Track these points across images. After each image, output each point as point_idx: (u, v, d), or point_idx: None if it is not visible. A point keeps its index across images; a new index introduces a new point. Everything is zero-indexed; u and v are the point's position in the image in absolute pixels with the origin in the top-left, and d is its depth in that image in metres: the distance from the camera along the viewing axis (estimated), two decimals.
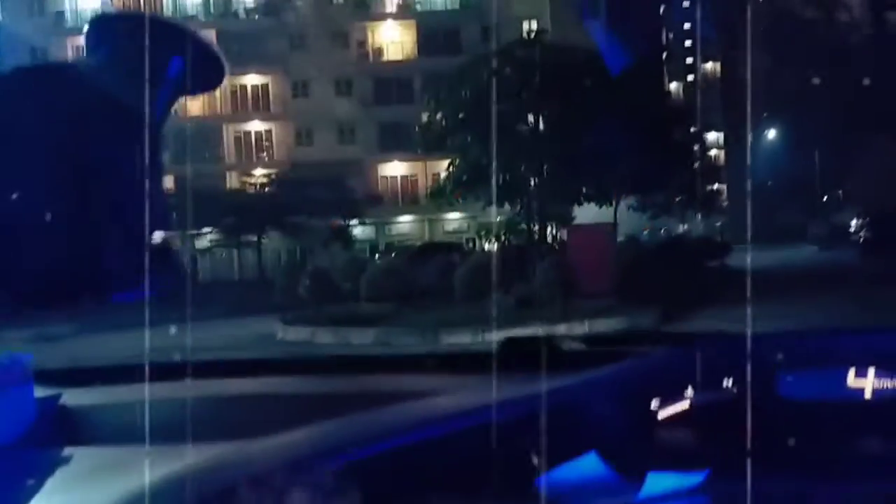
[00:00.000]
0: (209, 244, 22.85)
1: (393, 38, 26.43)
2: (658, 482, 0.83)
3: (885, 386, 0.84)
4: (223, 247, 22.70)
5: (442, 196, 12.70)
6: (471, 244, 15.91)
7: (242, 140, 26.20)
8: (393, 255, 13.84)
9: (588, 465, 0.82)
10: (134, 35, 0.49)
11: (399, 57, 26.06)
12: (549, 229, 12.77)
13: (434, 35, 25.07)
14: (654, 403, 0.86)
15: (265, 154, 26.08)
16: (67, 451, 0.82)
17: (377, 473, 0.73)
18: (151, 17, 0.55)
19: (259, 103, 26.21)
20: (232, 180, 23.74)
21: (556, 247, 11.37)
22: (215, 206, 22.10)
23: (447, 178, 12.31)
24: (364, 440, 0.77)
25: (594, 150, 10.94)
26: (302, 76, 25.59)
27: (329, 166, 22.88)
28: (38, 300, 0.50)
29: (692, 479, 0.83)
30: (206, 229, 22.74)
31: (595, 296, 8.00)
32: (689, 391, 0.85)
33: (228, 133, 26.07)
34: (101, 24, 0.55)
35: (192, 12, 26.02)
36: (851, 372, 0.86)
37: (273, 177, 22.19)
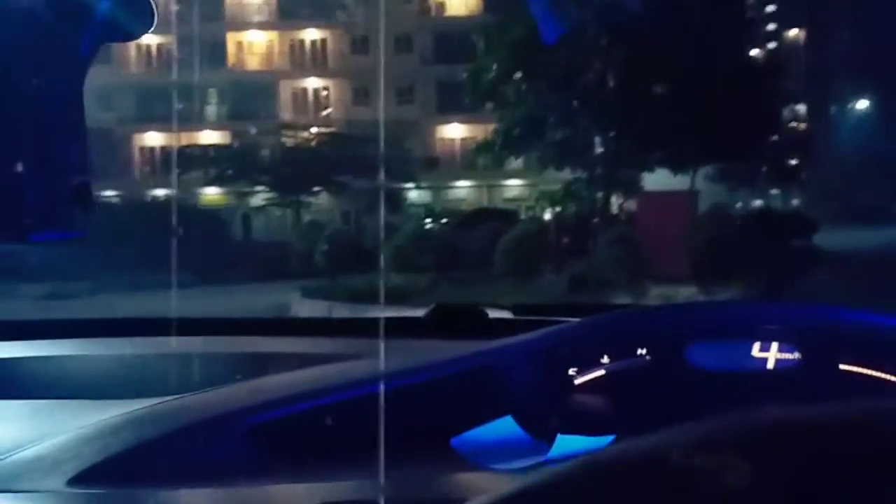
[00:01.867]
0: (263, 202, 22.05)
1: None
2: (567, 444, 0.83)
3: (786, 357, 0.87)
4: (276, 205, 21.86)
5: (489, 153, 10.97)
6: (529, 213, 14.16)
7: (299, 97, 25.08)
8: (441, 221, 12.28)
9: (503, 426, 0.81)
10: None
11: (462, 12, 24.37)
12: (614, 197, 10.96)
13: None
14: (571, 371, 0.86)
15: (321, 112, 24.89)
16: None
17: (293, 433, 0.73)
18: None
19: (317, 59, 25.02)
20: (286, 138, 22.65)
21: (623, 218, 9.69)
22: (268, 164, 21.20)
23: (496, 133, 10.63)
24: (285, 399, 0.77)
25: (672, 108, 9.25)
26: (361, 31, 24.26)
27: (385, 126, 21.59)
28: None
29: (599, 442, 0.83)
30: (259, 187, 21.95)
31: (669, 277, 6.50)
32: (605, 359, 0.86)
33: (285, 89, 24.98)
34: None
35: None
36: (756, 344, 0.88)
37: (325, 135, 21.17)
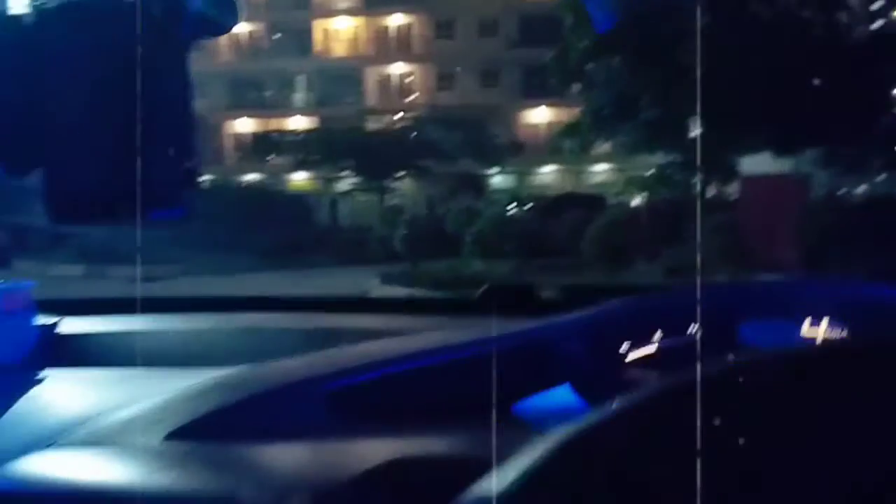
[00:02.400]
0: (349, 188, 22.08)
1: None
2: None
3: (835, 335, 0.86)
4: (362, 191, 21.86)
5: (576, 137, 10.31)
6: (618, 198, 13.49)
7: (384, 83, 24.99)
8: (525, 207, 11.84)
9: (561, 395, 0.84)
10: None
11: None
12: (712, 182, 10.18)
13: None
14: (624, 346, 0.87)
15: (406, 97, 24.73)
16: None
17: (365, 399, 0.79)
18: None
19: (401, 45, 24.85)
20: (371, 123, 22.60)
21: (723, 203, 8.98)
22: (353, 150, 21.20)
23: (583, 115, 9.98)
24: (355, 368, 0.82)
25: (775, 87, 8.51)
26: (446, 15, 23.96)
27: (470, 111, 21.30)
28: (82, 215, 0.54)
29: None
30: (345, 173, 22.00)
31: (776, 267, 5.93)
32: (657, 335, 0.87)
33: (370, 75, 24.93)
34: None
35: None
36: (807, 321, 0.87)
37: (409, 120, 21.00)
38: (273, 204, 17.43)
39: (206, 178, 21.53)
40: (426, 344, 0.89)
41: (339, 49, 25.60)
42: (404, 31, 24.93)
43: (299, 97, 25.57)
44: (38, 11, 0.51)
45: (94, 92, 0.50)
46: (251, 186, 22.23)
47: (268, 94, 25.90)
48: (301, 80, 25.71)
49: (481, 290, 1.16)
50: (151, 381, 0.86)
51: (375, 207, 18.82)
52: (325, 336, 1.01)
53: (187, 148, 0.51)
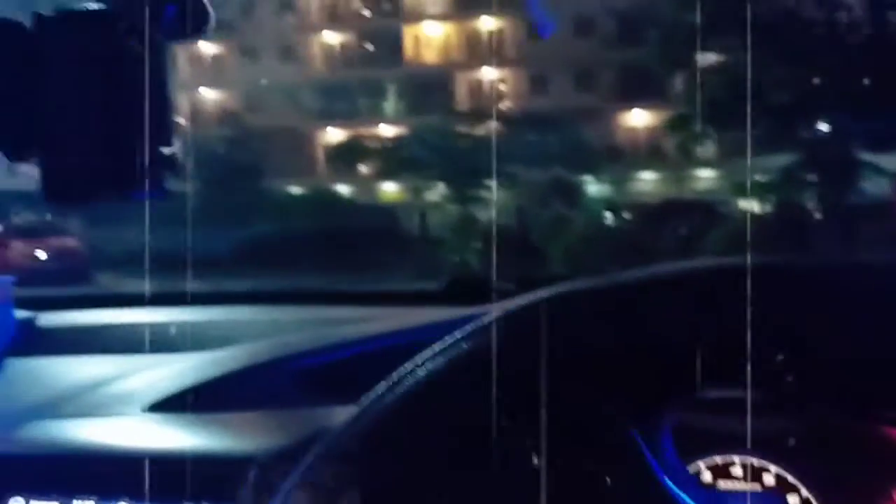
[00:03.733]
0: (439, 199, 21.47)
1: None
2: None
3: None
4: (451, 202, 21.18)
5: (683, 129, 9.09)
6: (730, 204, 12.11)
7: (474, 88, 24.24)
8: (622, 215, 10.76)
9: None
10: None
11: None
12: (840, 185, 8.78)
13: None
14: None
15: (498, 102, 23.90)
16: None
17: (336, 375, 0.86)
18: None
19: (493, 49, 24.04)
20: (461, 130, 21.85)
21: (869, 209, 7.64)
22: (443, 158, 20.57)
23: (684, 116, 8.80)
24: (314, 351, 0.92)
25: None
26: (539, 17, 22.99)
27: (563, 114, 20.28)
28: (73, 196, 0.61)
29: None
30: (434, 182, 21.43)
31: None
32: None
33: (461, 81, 24.22)
34: None
35: None
36: None
37: (499, 126, 20.17)
38: (360, 216, 16.98)
39: (298, 189, 21.42)
40: (383, 329, 0.99)
41: (430, 55, 25.09)
42: (496, 35, 24.14)
43: (389, 106, 25.17)
44: (37, 17, 0.60)
45: (84, 87, 0.58)
46: (341, 197, 21.90)
47: (358, 103, 25.62)
48: (391, 89, 25.30)
49: (447, 281, 1.33)
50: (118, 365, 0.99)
51: (462, 217, 18.17)
52: (291, 326, 1.13)
53: (167, 136, 0.57)
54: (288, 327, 1.10)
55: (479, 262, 7.18)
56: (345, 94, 25.27)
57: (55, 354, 1.07)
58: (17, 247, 11.02)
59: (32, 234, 11.28)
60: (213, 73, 28.60)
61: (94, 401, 0.81)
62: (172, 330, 1.14)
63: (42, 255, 11.01)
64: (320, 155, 25.51)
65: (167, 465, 0.63)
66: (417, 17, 24.65)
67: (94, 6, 0.60)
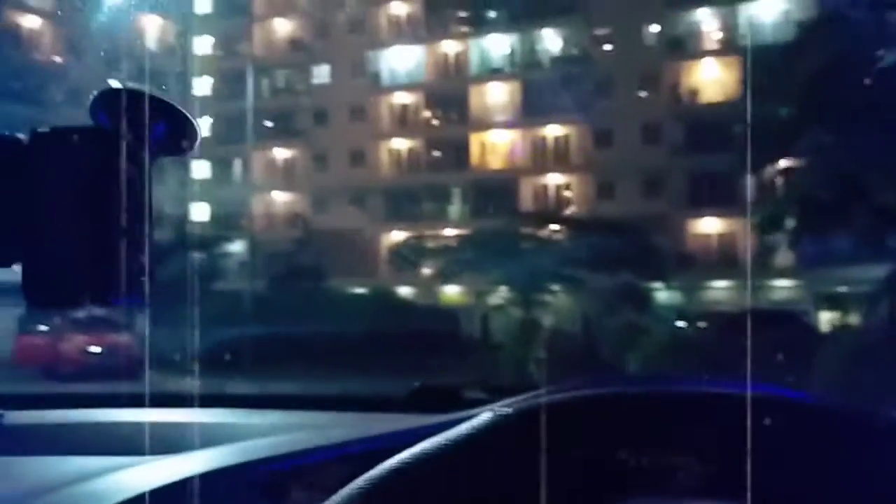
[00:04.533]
0: (501, 302, 20.97)
1: (711, 78, 22.59)
2: None
3: None
4: (513, 304, 20.65)
5: (776, 228, 8.21)
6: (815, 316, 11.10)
7: (540, 194, 24.05)
8: (697, 324, 9.98)
9: None
10: (130, 107, 0.63)
11: (718, 98, 22.08)
12: None
13: (762, 73, 20.97)
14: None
15: (563, 208, 23.60)
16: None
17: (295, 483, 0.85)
18: (141, 89, 0.67)
19: (559, 155, 23.96)
20: (526, 235, 21.53)
21: None
22: (506, 261, 20.19)
23: (770, 218, 7.99)
24: (276, 457, 0.90)
25: None
26: (606, 124, 22.90)
27: (631, 221, 19.77)
28: (53, 301, 0.68)
29: None
30: (497, 286, 20.99)
31: None
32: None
33: (526, 186, 24.10)
34: (106, 96, 0.69)
35: (497, 65, 24.88)
36: None
37: (564, 231, 19.76)
38: (421, 318, 16.57)
39: (362, 291, 21.25)
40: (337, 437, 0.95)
41: (495, 161, 25.19)
42: (562, 142, 24.09)
43: (454, 209, 25.14)
44: (33, 132, 0.64)
45: (69, 199, 0.60)
46: (402, 300, 21.63)
47: (423, 206, 25.69)
48: (456, 193, 25.34)
49: (411, 388, 1.23)
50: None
51: (522, 323, 17.58)
52: (257, 430, 1.06)
53: (141, 246, 0.58)
54: (254, 431, 1.07)
55: (537, 368, 6.64)
56: (410, 198, 25.44)
57: (20, 454, 1.05)
58: (73, 341, 10.97)
59: (88, 328, 11.24)
60: (284, 177, 29.37)
61: (59, 501, 0.80)
62: (137, 431, 1.13)
63: (95, 349, 10.94)
64: (384, 256, 25.47)
65: None
66: (484, 124, 24.92)
67: (86, 125, 0.63)
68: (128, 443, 1.05)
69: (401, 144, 26.47)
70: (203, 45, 28.99)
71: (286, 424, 1.08)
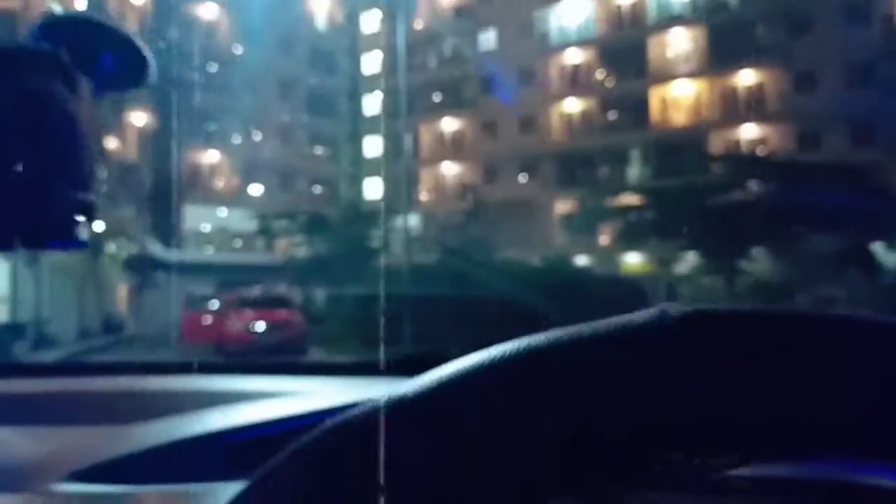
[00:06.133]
0: (690, 269, 19.04)
1: None
2: None
3: None
4: (706, 272, 18.68)
5: None
6: None
7: (731, 149, 21.56)
8: None
9: None
10: (74, 33, 0.60)
11: None
12: None
13: None
14: None
15: (761, 160, 21.01)
16: None
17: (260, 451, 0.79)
18: (88, 16, 0.63)
19: (752, 105, 21.30)
20: (717, 195, 19.31)
21: None
22: (696, 225, 18.25)
23: None
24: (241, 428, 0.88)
25: None
26: (807, 67, 20.00)
27: (843, 171, 17.06)
28: None
29: None
30: (685, 252, 19.08)
31: None
32: None
33: (714, 142, 21.68)
34: (49, 23, 0.63)
35: (678, 11, 22.53)
36: None
37: (767, 185, 17.39)
38: (599, 290, 15.16)
39: (529, 259, 20.09)
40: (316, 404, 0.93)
41: (679, 116, 22.94)
42: (756, 90, 21.40)
43: (634, 172, 23.23)
44: None
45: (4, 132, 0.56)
46: (578, 269, 20.24)
47: (599, 170, 23.97)
48: (635, 155, 23.41)
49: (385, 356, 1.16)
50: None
51: (715, 291, 15.60)
52: (228, 398, 1.05)
53: (85, 185, 0.55)
54: (225, 399, 1.00)
55: None
56: (585, 162, 23.81)
57: None
58: (239, 317, 10.72)
59: (255, 305, 10.97)
60: (453, 148, 28.62)
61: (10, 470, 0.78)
62: (101, 400, 1.10)
63: (261, 326, 10.61)
64: (558, 225, 24.06)
65: None
66: (665, 77, 22.71)
67: (20, 45, 0.55)
68: (91, 411, 1.02)
69: (573, 107, 24.83)
70: (370, 20, 28.76)
71: (257, 392, 1.02)
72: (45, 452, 0.82)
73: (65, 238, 0.54)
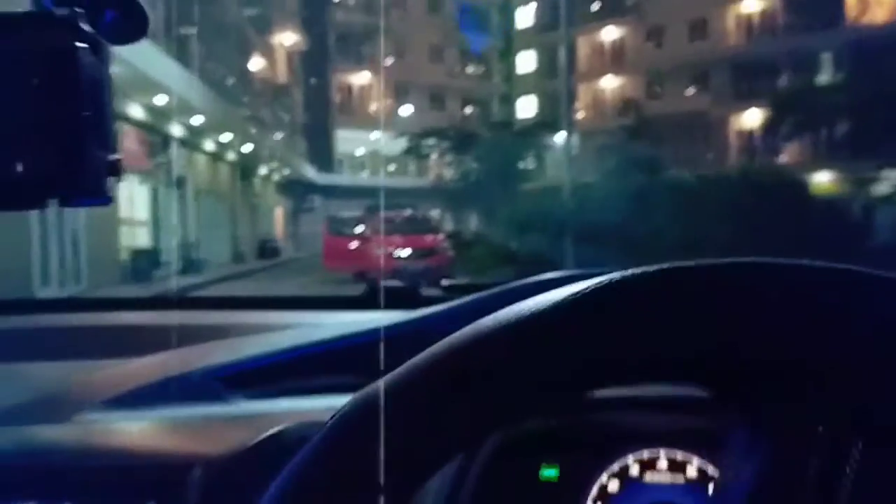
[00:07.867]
0: (890, 190, 16.42)
1: None
2: None
3: None
4: None
5: None
6: None
7: None
8: None
9: None
10: None
11: None
12: None
13: None
14: None
15: None
16: None
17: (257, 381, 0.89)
18: None
19: None
20: None
21: None
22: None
23: None
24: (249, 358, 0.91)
25: None
26: None
27: None
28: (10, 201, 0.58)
29: None
30: (885, 171, 16.46)
31: None
32: None
33: None
34: None
35: None
36: None
37: None
38: (787, 210, 13.16)
39: (704, 176, 18.06)
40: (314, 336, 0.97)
41: (879, 13, 19.67)
42: None
43: (824, 79, 20.26)
44: None
45: (23, 93, 0.54)
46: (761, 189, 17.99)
47: (782, 79, 21.12)
48: (827, 58, 20.40)
49: (366, 289, 1.25)
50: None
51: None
52: (212, 332, 1.07)
53: (107, 141, 0.56)
54: (236, 331, 1.05)
55: None
56: (767, 70, 21.03)
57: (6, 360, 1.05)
58: (383, 243, 9.90)
59: (400, 230, 10.10)
60: (612, 59, 26.32)
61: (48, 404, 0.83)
62: (113, 335, 1.15)
63: (405, 252, 9.71)
64: (735, 141, 21.58)
65: (115, 468, 0.68)
66: None
67: (37, 10, 0.56)
68: (101, 345, 1.08)
69: (751, 6, 21.92)
70: None
71: (245, 325, 1.09)
72: (75, 383, 0.87)
73: (99, 196, 0.55)
